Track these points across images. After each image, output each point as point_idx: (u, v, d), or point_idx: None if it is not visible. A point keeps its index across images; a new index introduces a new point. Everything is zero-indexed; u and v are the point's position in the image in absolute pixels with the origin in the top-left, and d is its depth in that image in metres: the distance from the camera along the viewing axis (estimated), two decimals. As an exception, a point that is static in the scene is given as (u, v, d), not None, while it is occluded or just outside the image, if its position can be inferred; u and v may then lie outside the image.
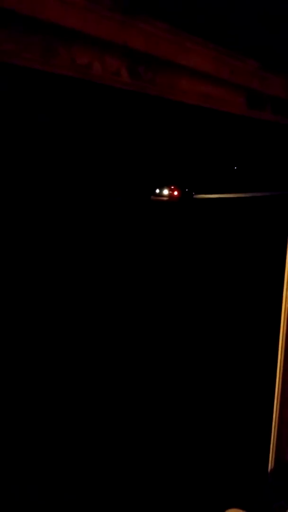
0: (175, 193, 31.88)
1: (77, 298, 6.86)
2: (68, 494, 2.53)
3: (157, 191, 32.55)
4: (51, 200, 23.66)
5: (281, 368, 1.75)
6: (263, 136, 42.27)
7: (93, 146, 38.45)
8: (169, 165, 38.75)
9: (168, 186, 32.34)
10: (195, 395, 3.80)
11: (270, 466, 1.77)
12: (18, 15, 0.79)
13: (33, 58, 0.86)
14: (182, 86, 1.16)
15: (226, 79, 1.26)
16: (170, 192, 32.05)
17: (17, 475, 2.67)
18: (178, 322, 5.82)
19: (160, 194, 32.37)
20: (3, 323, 5.41)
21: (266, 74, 1.36)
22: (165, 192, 32.27)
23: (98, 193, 28.70)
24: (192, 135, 45.23)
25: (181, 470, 2.75)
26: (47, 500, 2.45)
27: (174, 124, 44.44)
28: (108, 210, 21.44)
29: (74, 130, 38.75)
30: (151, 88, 1.08)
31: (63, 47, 0.91)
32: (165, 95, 1.13)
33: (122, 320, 5.87)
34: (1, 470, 2.67)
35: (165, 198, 31.58)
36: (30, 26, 0.84)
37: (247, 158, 47.29)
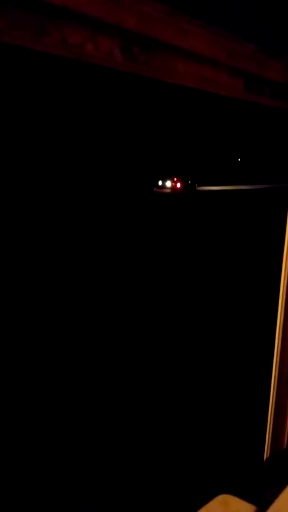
0: (178, 185, 31.76)
1: (79, 290, 6.87)
2: (68, 490, 2.55)
3: (160, 183, 32.43)
4: (51, 193, 23.60)
5: (278, 358, 1.74)
6: (266, 128, 41.98)
7: (94, 137, 38.20)
8: (172, 157, 38.57)
9: (171, 178, 32.21)
10: (191, 384, 3.81)
11: (265, 455, 1.77)
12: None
13: (23, 36, 0.84)
14: (177, 68, 1.14)
15: (223, 62, 1.23)
16: (173, 184, 31.93)
17: (16, 475, 2.68)
18: (179, 312, 5.83)
19: (163, 186, 32.24)
20: (3, 318, 5.43)
21: (265, 58, 1.34)
22: (168, 184, 32.15)
23: (101, 185, 28.61)
24: (195, 127, 44.95)
25: (177, 457, 2.76)
26: (47, 499, 2.47)
27: (178, 116, 44.16)
28: (111, 202, 21.40)
29: (70, 118, 38.32)
30: (146, 69, 1.05)
31: (54, 26, 0.89)
32: (160, 77, 1.11)
33: (125, 311, 5.88)
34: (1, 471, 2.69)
35: (168, 190, 31.47)
36: (20, 3, 0.82)
37: (250, 150, 47.00)
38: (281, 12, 1.28)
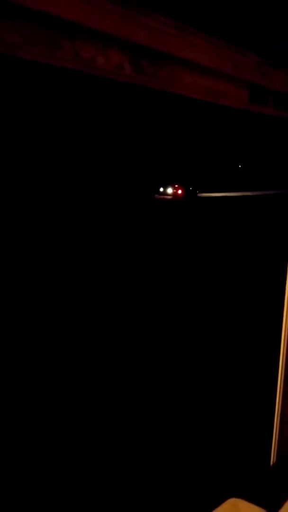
0: (179, 191, 31.83)
1: (81, 297, 6.88)
2: (68, 492, 2.55)
3: (161, 189, 32.52)
4: (53, 199, 23.69)
5: (283, 363, 1.76)
6: (267, 134, 42.17)
7: (97, 144, 38.43)
8: (173, 164, 38.71)
9: (172, 184, 32.29)
10: (198, 390, 3.82)
11: (272, 459, 1.78)
12: (23, 8, 0.80)
13: (37, 51, 0.87)
14: (185, 80, 1.17)
15: (228, 73, 1.27)
16: (174, 190, 32.01)
17: (17, 475, 2.69)
18: (182, 318, 5.84)
19: (164, 193, 32.32)
20: (3, 323, 5.44)
21: (269, 69, 1.37)
22: (169, 190, 32.23)
23: (102, 191, 28.72)
24: (196, 133, 45.15)
25: (185, 462, 2.77)
26: (47, 500, 2.47)
27: (179, 122, 44.38)
28: (113, 208, 21.46)
29: (77, 127, 38.68)
30: (154, 82, 1.09)
31: (67, 41, 0.92)
32: (168, 89, 1.14)
33: (127, 318, 5.89)
34: (1, 471, 2.69)
35: (169, 197, 31.54)
36: (34, 19, 0.85)
37: (251, 156, 47.16)
38: (285, 23, 1.31)
